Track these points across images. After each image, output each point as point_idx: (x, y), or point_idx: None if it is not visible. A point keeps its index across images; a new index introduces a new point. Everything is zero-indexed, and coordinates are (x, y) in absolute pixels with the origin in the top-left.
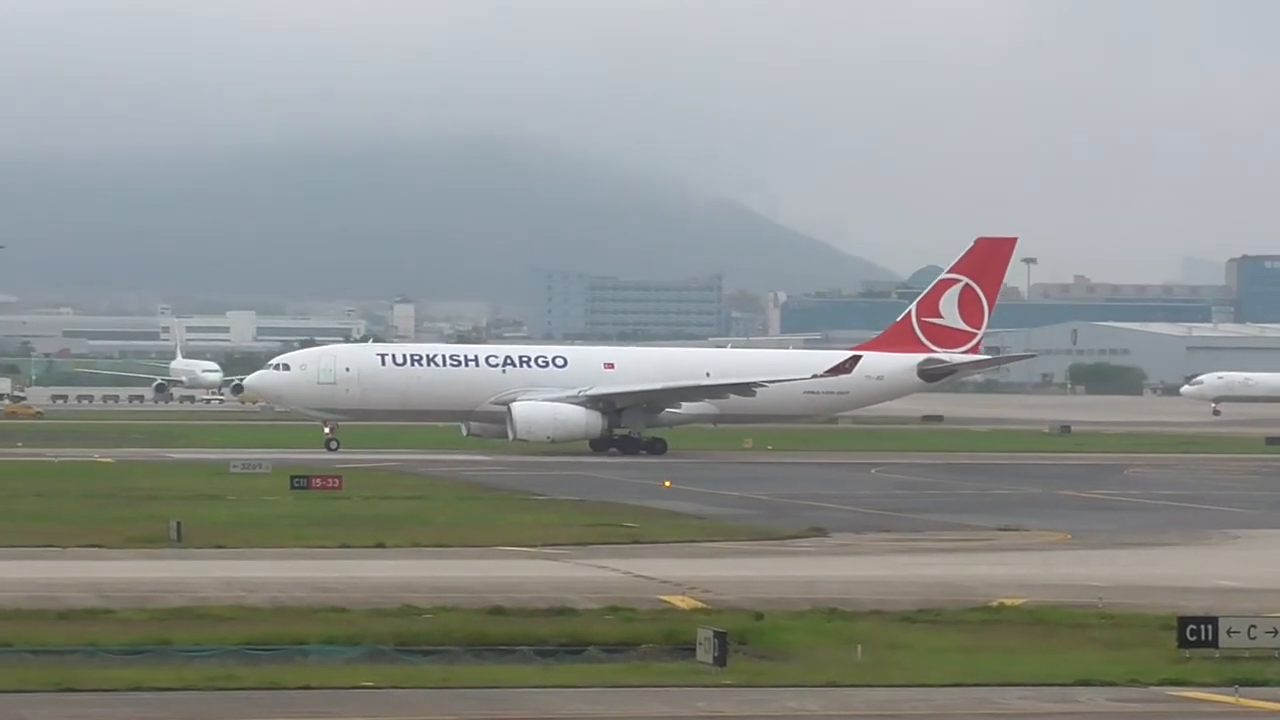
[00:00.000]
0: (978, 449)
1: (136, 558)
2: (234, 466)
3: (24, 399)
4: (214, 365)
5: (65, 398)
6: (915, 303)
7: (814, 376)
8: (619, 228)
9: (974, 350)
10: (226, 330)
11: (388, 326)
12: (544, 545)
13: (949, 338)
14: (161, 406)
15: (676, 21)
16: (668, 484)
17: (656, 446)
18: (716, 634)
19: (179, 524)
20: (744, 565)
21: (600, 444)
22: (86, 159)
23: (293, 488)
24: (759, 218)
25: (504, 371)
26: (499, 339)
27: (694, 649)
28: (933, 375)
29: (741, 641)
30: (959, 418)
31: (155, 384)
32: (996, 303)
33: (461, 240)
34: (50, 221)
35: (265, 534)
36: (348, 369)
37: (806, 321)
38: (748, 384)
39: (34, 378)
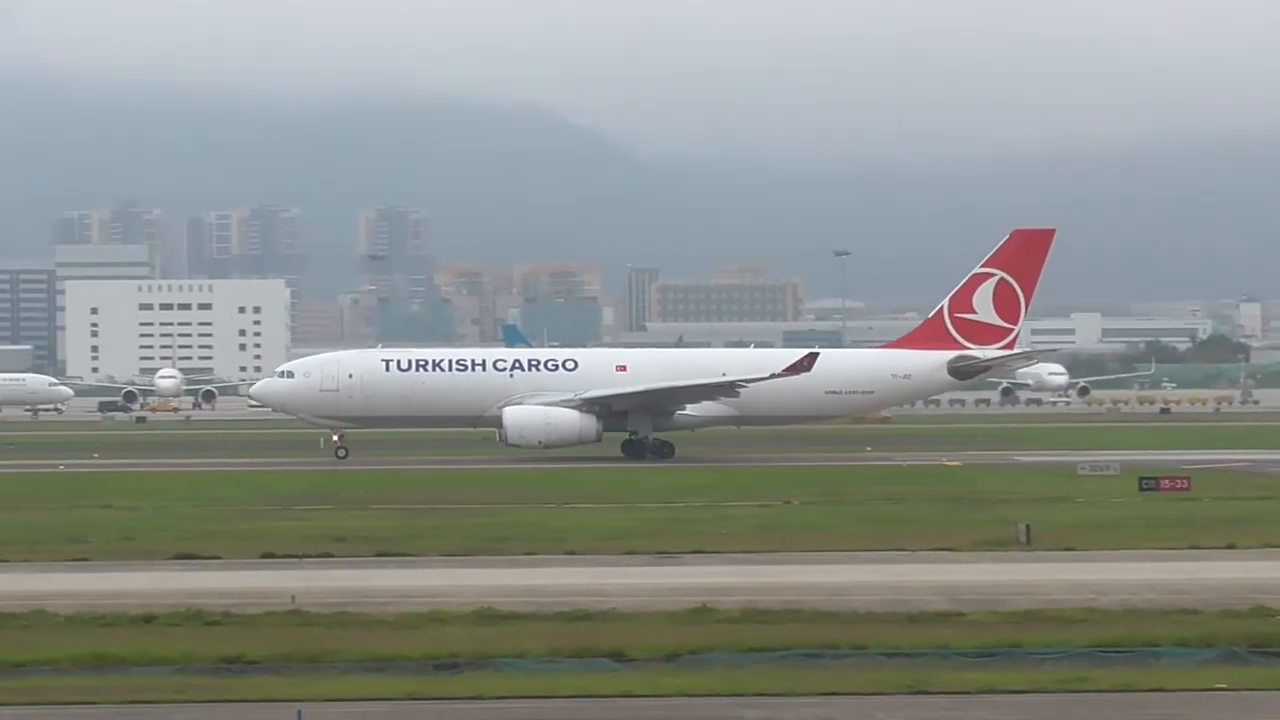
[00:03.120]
0: None
1: (985, 560)
2: (1082, 468)
3: None
4: (1059, 368)
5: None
6: (948, 298)
7: (771, 375)
8: None
9: (1010, 346)
10: (1071, 332)
11: (1234, 326)
12: None
13: (983, 334)
14: (1008, 409)
15: None
16: None
17: (664, 450)
18: None
19: (1027, 527)
20: None
21: (630, 447)
22: (923, 167)
23: (1141, 489)
24: None
25: (511, 376)
26: None
27: None
28: (964, 373)
29: None
30: None
31: (1001, 387)
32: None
33: None
34: (896, 229)
35: (1114, 536)
36: (351, 376)
37: None
38: (716, 384)
39: None
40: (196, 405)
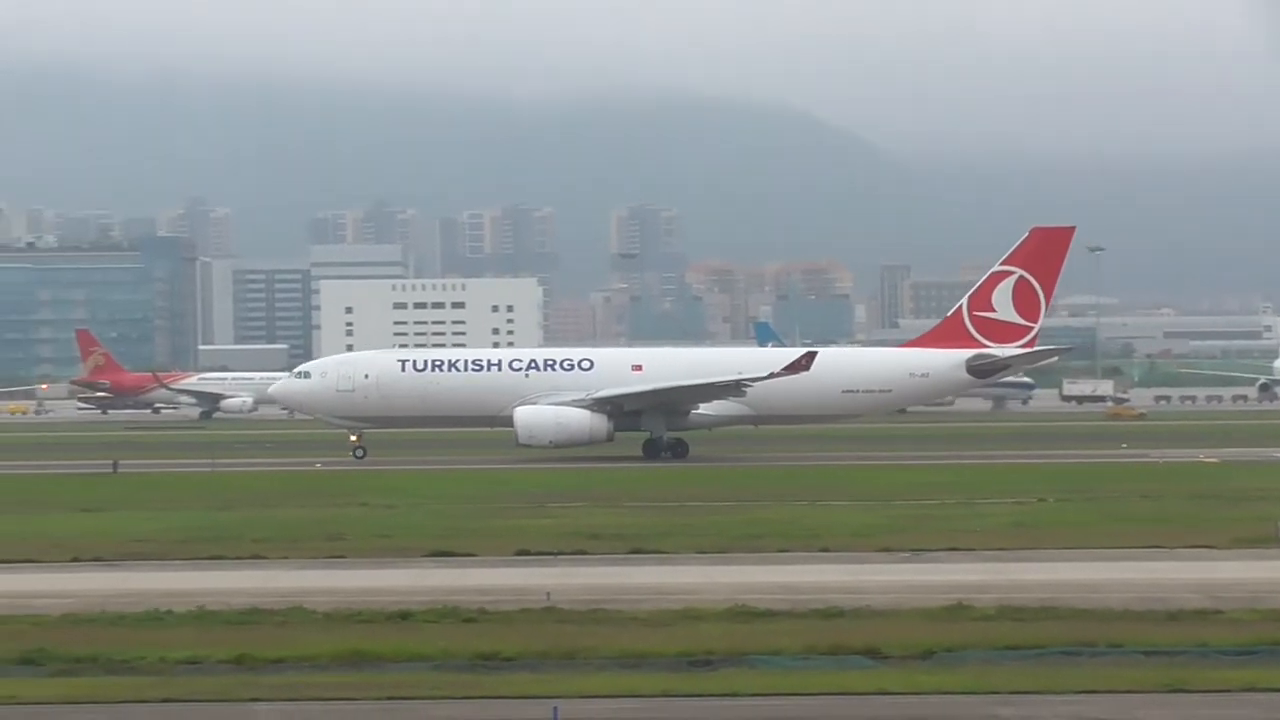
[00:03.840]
0: None
1: (1245, 558)
2: None
3: (1127, 400)
4: None
5: (1168, 398)
6: (967, 296)
7: (770, 375)
8: None
9: (1030, 345)
10: None
11: None
12: None
13: (1003, 332)
14: (1266, 406)
15: None
16: None
17: (678, 449)
18: None
19: None
20: None
21: (649, 446)
22: (1177, 160)
23: None
24: None
25: (527, 376)
26: None
27: None
28: (983, 371)
29: None
30: None
31: (1259, 383)
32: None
33: None
34: (1149, 223)
35: None
36: (367, 376)
37: None
38: (720, 384)
39: (1136, 379)
40: None
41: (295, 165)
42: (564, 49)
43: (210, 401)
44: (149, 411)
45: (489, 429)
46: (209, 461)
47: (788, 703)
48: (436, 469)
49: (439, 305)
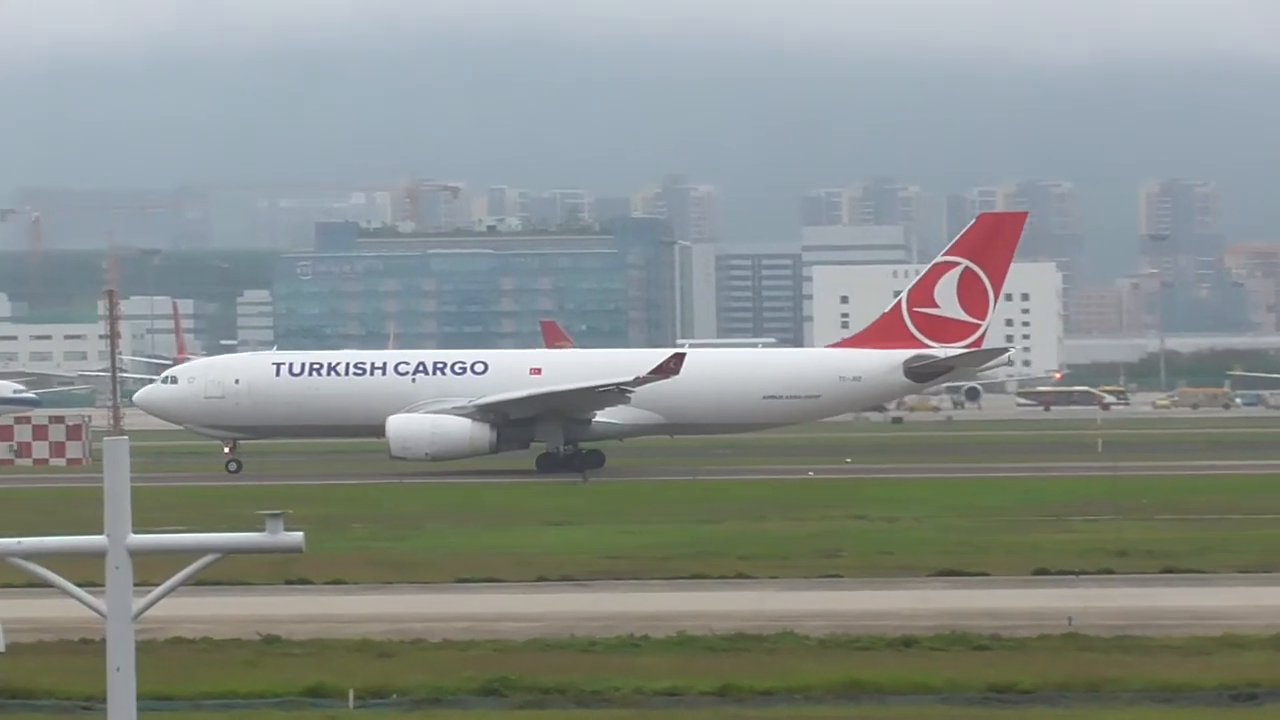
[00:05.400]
0: None
1: None
2: None
3: None
4: None
5: None
6: (907, 291)
7: (637, 379)
8: None
9: (977, 344)
10: None
11: None
12: None
13: (946, 330)
14: None
15: None
16: None
17: (586, 462)
18: None
19: None
20: None
21: (545, 460)
22: None
23: None
24: None
25: (414, 380)
26: None
27: None
28: (923, 374)
29: None
30: None
31: None
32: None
33: None
34: None
35: None
36: (237, 381)
37: None
38: (599, 389)
39: None
40: (958, 404)
41: (787, 139)
42: (1081, 11)
43: None
44: None
45: (377, 439)
46: (690, 470)
47: None
48: (948, 477)
49: None
